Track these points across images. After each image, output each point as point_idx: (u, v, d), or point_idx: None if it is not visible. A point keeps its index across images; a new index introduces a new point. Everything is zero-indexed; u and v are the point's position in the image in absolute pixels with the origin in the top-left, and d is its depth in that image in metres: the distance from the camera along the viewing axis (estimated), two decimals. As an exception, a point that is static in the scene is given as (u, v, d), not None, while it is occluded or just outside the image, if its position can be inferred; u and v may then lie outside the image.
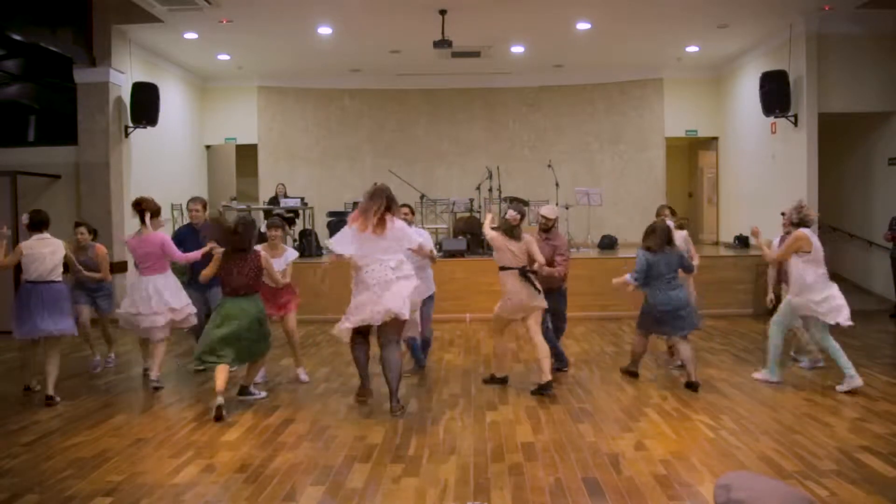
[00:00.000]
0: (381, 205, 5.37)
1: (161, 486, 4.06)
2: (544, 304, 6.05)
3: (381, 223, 5.34)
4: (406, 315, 5.30)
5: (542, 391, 5.90)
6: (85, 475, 4.23)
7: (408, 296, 5.34)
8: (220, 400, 5.35)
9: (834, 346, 5.95)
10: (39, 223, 6.13)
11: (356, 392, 5.88)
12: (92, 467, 4.37)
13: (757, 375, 6.38)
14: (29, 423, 5.36)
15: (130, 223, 10.81)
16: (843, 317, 5.88)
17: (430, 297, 6.57)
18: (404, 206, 6.41)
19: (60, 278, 6.13)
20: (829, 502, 3.73)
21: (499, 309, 6.15)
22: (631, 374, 6.55)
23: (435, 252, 6.57)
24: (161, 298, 6.33)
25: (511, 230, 6.01)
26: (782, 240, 6.64)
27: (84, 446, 4.79)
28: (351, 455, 4.55)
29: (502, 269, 6.04)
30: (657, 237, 6.18)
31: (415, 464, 4.38)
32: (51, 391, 5.90)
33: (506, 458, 4.45)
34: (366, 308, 5.30)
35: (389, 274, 5.34)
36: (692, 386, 6.00)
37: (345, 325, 5.40)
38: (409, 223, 6.34)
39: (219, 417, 5.29)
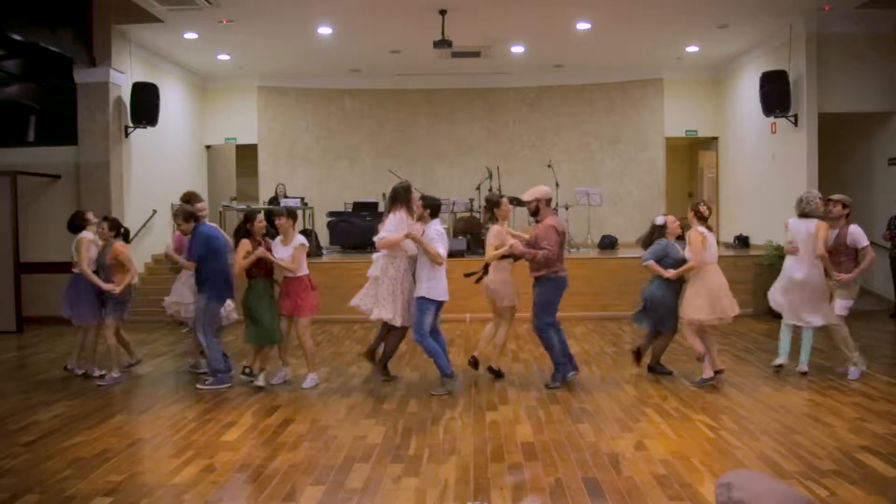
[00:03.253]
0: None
1: (161, 486, 4.06)
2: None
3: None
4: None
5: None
6: (85, 475, 4.23)
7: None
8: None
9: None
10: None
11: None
12: (92, 467, 4.37)
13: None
14: (29, 423, 5.36)
15: (130, 223, 10.84)
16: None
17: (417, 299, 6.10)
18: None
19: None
20: (829, 502, 3.73)
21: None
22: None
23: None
24: None
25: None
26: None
27: (84, 446, 4.79)
28: (351, 455, 4.55)
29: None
30: None
31: (415, 464, 4.38)
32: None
33: (506, 458, 4.45)
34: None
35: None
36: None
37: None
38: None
39: None
